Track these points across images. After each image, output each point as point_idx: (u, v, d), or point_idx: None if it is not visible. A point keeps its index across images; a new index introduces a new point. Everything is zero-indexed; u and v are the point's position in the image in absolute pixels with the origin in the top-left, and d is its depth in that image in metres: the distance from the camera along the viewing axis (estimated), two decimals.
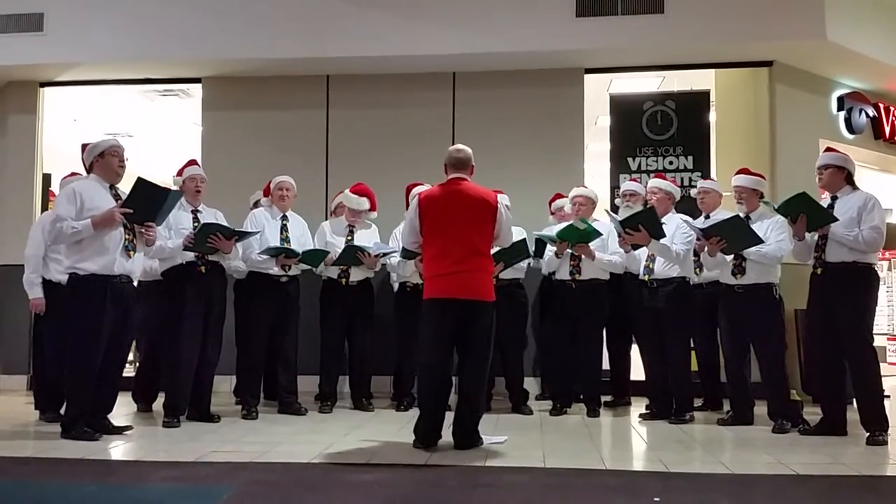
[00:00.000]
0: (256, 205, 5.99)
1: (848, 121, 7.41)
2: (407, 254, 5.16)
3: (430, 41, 6.71)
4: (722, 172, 6.82)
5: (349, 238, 5.75)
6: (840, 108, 7.40)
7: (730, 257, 4.96)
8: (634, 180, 6.20)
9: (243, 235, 5.22)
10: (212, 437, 4.56)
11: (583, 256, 5.39)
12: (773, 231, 4.91)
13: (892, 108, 7.78)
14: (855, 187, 4.66)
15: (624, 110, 7.21)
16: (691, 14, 6.52)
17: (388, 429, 4.87)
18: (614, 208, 6.26)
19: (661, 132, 7.08)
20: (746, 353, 5.09)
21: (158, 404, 5.32)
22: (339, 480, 3.52)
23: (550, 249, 5.52)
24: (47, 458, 3.96)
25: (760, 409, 5.02)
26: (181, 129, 8.99)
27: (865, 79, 7.36)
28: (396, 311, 5.89)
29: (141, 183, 4.42)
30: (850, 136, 7.41)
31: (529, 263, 5.79)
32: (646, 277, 5.26)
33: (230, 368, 5.59)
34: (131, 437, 4.52)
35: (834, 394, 4.66)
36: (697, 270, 5.40)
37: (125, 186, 4.58)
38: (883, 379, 4.65)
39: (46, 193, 7.47)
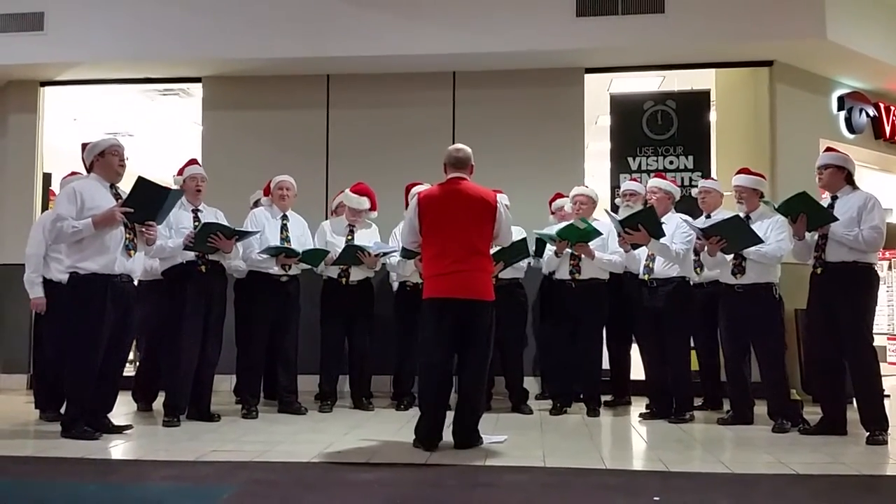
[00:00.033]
0: (256, 204, 6.00)
1: (848, 120, 7.41)
2: (407, 253, 5.16)
3: (431, 41, 6.71)
4: (722, 172, 6.82)
5: (349, 237, 5.75)
6: (840, 108, 7.40)
7: (729, 257, 4.96)
8: (635, 180, 6.20)
9: (244, 235, 5.22)
10: (212, 436, 4.57)
11: (582, 256, 5.39)
12: (772, 231, 4.91)
13: (892, 108, 7.78)
14: (855, 187, 4.66)
15: (624, 110, 7.21)
16: (691, 14, 6.52)
17: (388, 428, 4.87)
18: (614, 208, 6.27)
19: (662, 132, 7.08)
20: (746, 353, 5.09)
21: (158, 403, 5.33)
22: (339, 480, 3.52)
23: (550, 248, 5.52)
24: (47, 457, 3.96)
25: (760, 408, 5.02)
26: (181, 129, 8.99)
27: (866, 78, 7.36)
28: (396, 310, 5.90)
29: (141, 182, 4.42)
30: (851, 136, 7.41)
31: (529, 263, 5.79)
32: (645, 277, 5.26)
33: (230, 368, 5.59)
34: (131, 437, 4.52)
35: (834, 393, 4.66)
36: (698, 270, 5.40)
37: (125, 186, 4.58)
38: (883, 378, 4.65)
39: (47, 193, 7.47)
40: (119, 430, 4.58)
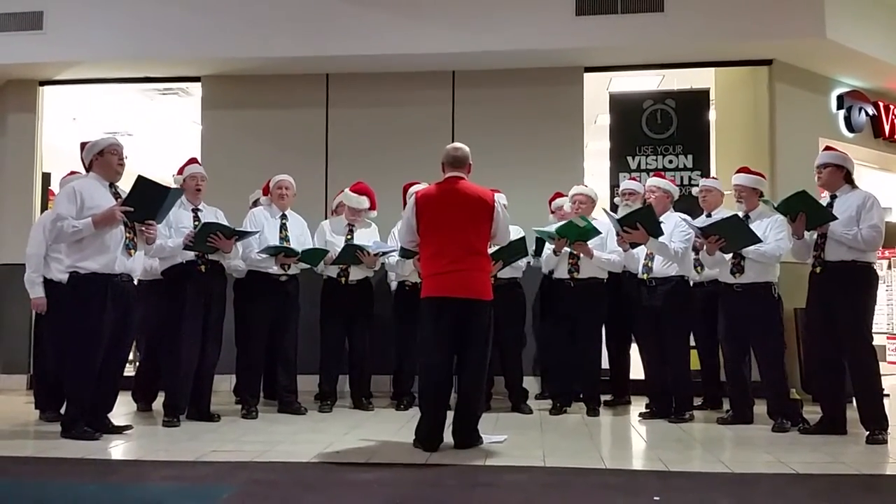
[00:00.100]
0: (256, 203, 5.99)
1: (847, 119, 7.41)
2: (405, 253, 5.16)
3: (430, 40, 6.71)
4: (722, 171, 6.82)
5: (349, 237, 5.75)
6: (840, 107, 7.40)
7: (728, 256, 4.96)
8: (634, 179, 6.20)
9: (243, 235, 5.22)
10: (212, 436, 4.57)
11: (581, 255, 5.39)
12: (772, 230, 4.92)
13: (891, 107, 7.78)
14: (854, 186, 4.66)
15: (624, 109, 7.20)
16: (691, 12, 6.52)
17: (388, 428, 4.87)
18: (614, 207, 6.27)
19: (661, 131, 7.08)
20: (746, 352, 5.08)
21: (158, 404, 5.33)
22: (339, 480, 3.52)
23: (549, 247, 5.52)
24: (47, 457, 3.96)
25: (760, 408, 5.02)
26: (181, 128, 8.99)
27: (865, 77, 7.36)
28: (396, 310, 5.89)
29: (141, 181, 4.42)
30: (850, 135, 7.40)
31: (529, 262, 5.79)
32: (644, 276, 5.26)
33: (230, 368, 5.59)
34: (131, 437, 4.52)
35: (833, 393, 4.66)
36: (698, 269, 5.40)
37: (125, 185, 4.57)
38: (882, 378, 4.65)
39: (46, 192, 7.47)
40: (119, 430, 4.58)
